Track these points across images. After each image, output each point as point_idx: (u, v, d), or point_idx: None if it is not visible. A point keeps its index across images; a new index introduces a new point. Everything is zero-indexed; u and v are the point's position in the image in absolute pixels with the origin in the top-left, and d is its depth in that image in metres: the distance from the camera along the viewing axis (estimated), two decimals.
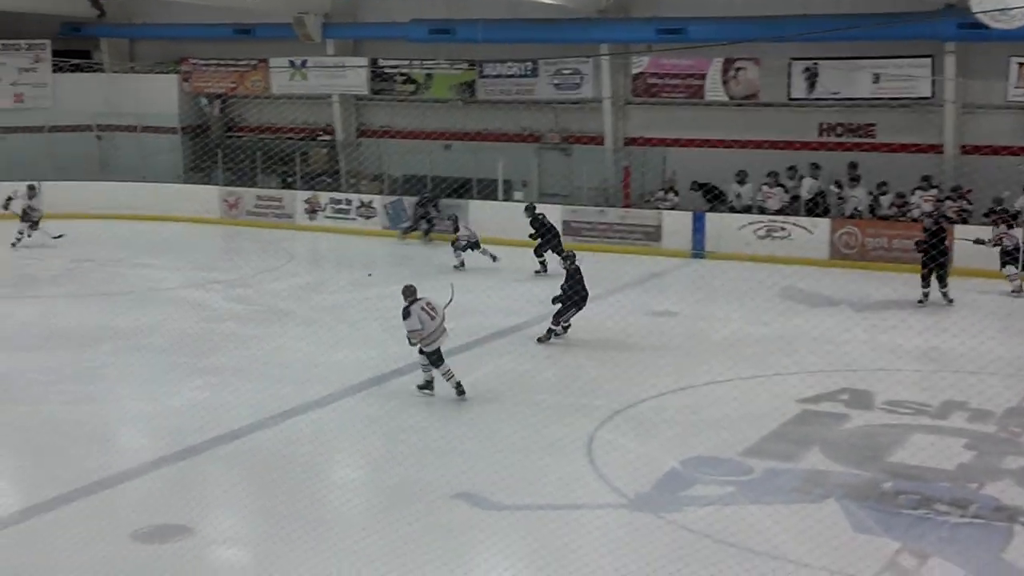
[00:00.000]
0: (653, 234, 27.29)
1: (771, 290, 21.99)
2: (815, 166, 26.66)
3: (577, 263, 19.04)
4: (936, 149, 26.13)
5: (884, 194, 25.62)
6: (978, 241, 22.64)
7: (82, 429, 14.64)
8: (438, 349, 15.60)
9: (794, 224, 25.92)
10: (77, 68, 35.53)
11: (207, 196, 32.72)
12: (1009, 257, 22.41)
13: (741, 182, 27.07)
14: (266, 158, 32.89)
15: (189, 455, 13.67)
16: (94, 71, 36.22)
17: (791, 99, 27.20)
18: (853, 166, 26.16)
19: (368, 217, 30.67)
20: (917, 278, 21.64)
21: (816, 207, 26.32)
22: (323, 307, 22.00)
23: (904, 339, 18.90)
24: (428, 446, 14.02)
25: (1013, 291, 22.31)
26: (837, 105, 26.92)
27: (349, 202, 31.07)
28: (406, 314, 15.45)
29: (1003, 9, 17.71)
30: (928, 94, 25.82)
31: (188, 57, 35.06)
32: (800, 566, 10.59)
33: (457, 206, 28.46)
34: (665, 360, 17.82)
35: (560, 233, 24.94)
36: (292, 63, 33.03)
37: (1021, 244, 22.51)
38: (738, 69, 27.66)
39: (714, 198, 27.21)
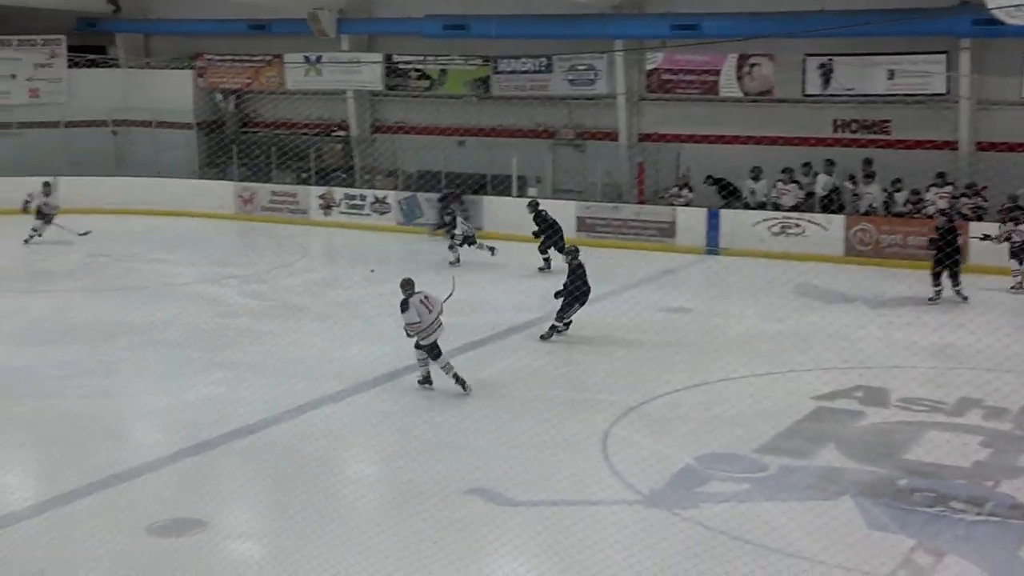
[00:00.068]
0: (667, 230, 27.26)
1: (785, 287, 21.99)
2: (830, 162, 26.61)
3: (579, 258, 18.95)
4: (951, 146, 26.04)
5: (899, 191, 25.55)
6: (985, 237, 22.60)
7: (97, 423, 14.68)
8: (435, 342, 15.68)
9: (809, 221, 25.86)
10: (92, 64, 35.54)
11: (222, 191, 32.76)
12: (1021, 251, 22.29)
13: (756, 178, 27.02)
14: (281, 154, 32.93)
15: (204, 449, 13.71)
16: (109, 67, 36.23)
17: (806, 95, 27.15)
18: (868, 162, 26.09)
19: (382, 213, 30.68)
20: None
21: (831, 204, 26.26)
22: (337, 303, 22.03)
23: (919, 336, 18.86)
24: (442, 441, 14.03)
25: (1012, 287, 22.19)
26: (852, 101, 26.85)
27: (363, 198, 31.08)
28: (404, 307, 15.57)
29: (1018, 5, 17.70)
30: (943, 90, 25.74)
31: (203, 53, 35.12)
32: (815, 563, 10.56)
33: (472, 202, 28.44)
34: (679, 356, 17.79)
35: (562, 229, 24.64)
36: (307, 59, 33.08)
37: None
38: (753, 65, 27.62)
39: (729, 194, 27.14)
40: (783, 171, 26.73)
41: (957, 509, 11.85)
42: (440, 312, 15.74)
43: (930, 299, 21.30)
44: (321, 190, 31.76)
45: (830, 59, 26.53)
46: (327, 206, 31.51)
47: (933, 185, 25.15)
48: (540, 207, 24.83)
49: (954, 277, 21.29)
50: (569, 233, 26.83)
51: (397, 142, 32.53)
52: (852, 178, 26.19)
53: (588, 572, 10.39)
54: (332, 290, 23.36)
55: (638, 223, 27.64)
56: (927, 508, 11.85)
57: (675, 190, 27.93)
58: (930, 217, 23.98)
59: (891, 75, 26.02)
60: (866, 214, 25.68)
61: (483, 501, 12.10)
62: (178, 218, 31.43)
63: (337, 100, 33.56)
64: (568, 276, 18.75)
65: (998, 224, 23.00)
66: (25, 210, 27.52)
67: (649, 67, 29.07)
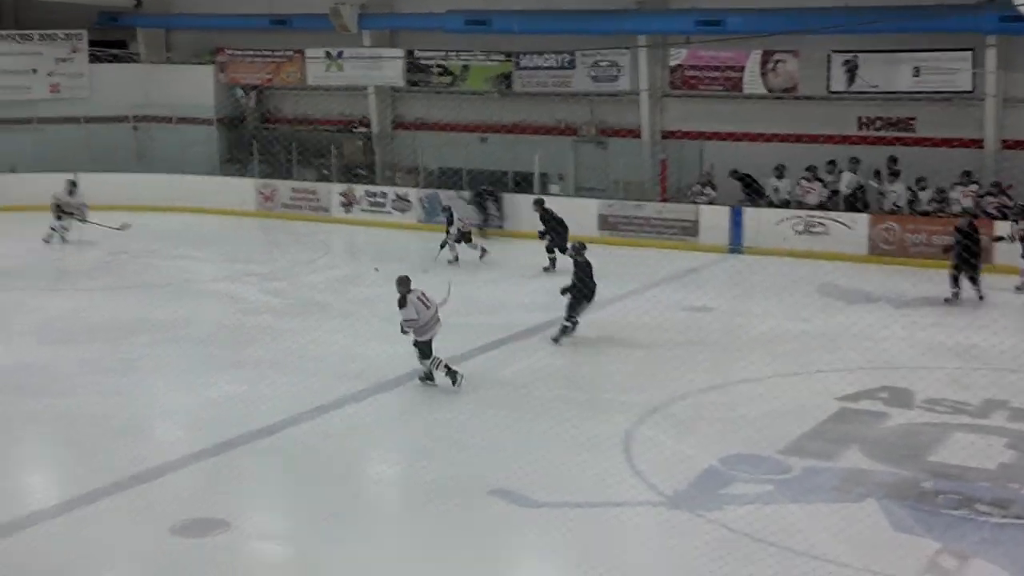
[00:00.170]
0: (690, 229, 27.13)
1: (809, 286, 21.87)
2: (854, 160, 26.45)
3: (585, 255, 18.74)
4: (977, 144, 25.85)
5: (923, 189, 25.38)
6: (998, 239, 22.46)
7: (118, 422, 14.69)
8: (430, 340, 15.83)
9: (833, 219, 25.71)
10: (114, 58, 35.60)
11: (242, 188, 32.74)
12: None
13: (779, 176, 26.88)
14: (302, 150, 32.92)
15: (226, 448, 13.72)
16: (130, 62, 36.29)
17: (830, 92, 26.98)
18: (893, 160, 25.93)
19: (403, 210, 30.63)
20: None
21: (855, 202, 26.11)
22: (359, 300, 21.97)
23: (944, 336, 18.74)
24: (464, 442, 13.99)
25: (1017, 287, 22.01)
26: (877, 98, 26.68)
27: (384, 195, 31.03)
28: (403, 303, 15.76)
29: None
30: (969, 88, 25.55)
31: (224, 48, 35.11)
32: (840, 566, 10.52)
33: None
34: (702, 356, 17.70)
35: (568, 228, 24.20)
36: (328, 54, 33.02)
37: None
38: (777, 61, 27.47)
39: (753, 191, 27.02)
40: (807, 169, 26.58)
41: (982, 512, 11.77)
42: (437, 310, 15.93)
43: (946, 300, 21.13)
44: (342, 187, 31.73)
45: (855, 56, 26.37)
46: (348, 203, 31.48)
47: (958, 183, 24.98)
48: (546, 205, 24.73)
49: (973, 280, 21.14)
50: (591, 231, 26.83)
51: (418, 138, 32.47)
52: (877, 173, 26.02)
53: (611, 573, 10.36)
54: (353, 287, 23.31)
55: (661, 221, 27.51)
56: (952, 511, 11.78)
57: (698, 188, 27.79)
58: (956, 216, 23.81)
59: (916, 72, 25.85)
60: (891, 213, 25.53)
61: (505, 502, 12.06)
62: (198, 215, 31.44)
63: (358, 96, 33.52)
64: (575, 273, 18.57)
65: (1010, 223, 22.85)
66: (59, 218, 27.20)
67: (672, 63, 28.93)
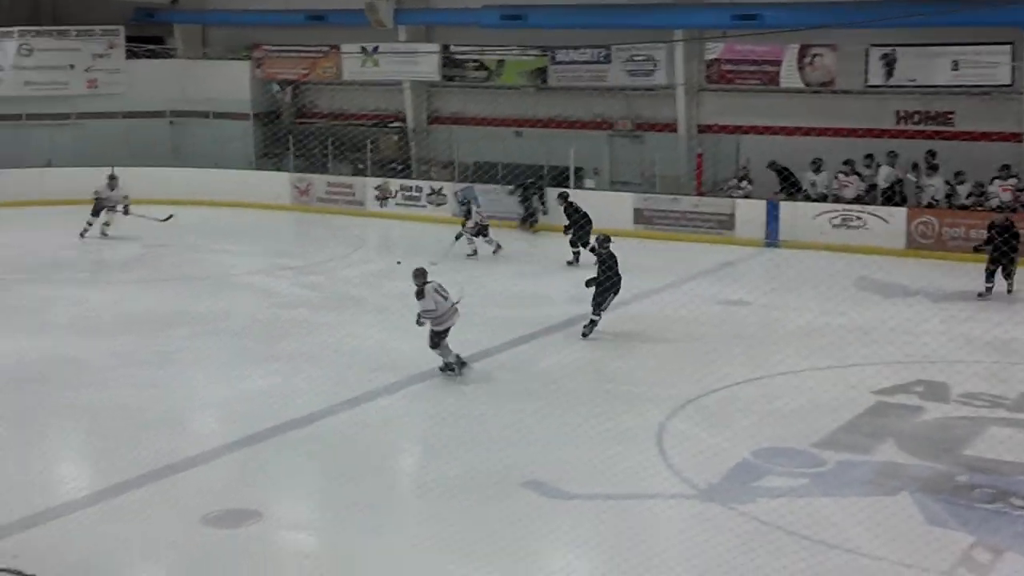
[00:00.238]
0: (726, 222, 27.02)
1: (846, 280, 21.71)
2: (892, 154, 26.26)
3: (610, 247, 18.57)
4: (1016, 137, 25.66)
5: (962, 183, 25.17)
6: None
7: (154, 413, 14.74)
8: (444, 331, 15.94)
9: (870, 213, 25.55)
10: (151, 54, 35.79)
11: (278, 182, 32.84)
12: None
13: (816, 170, 26.75)
14: (337, 145, 32.96)
15: (260, 440, 13.76)
16: (167, 57, 36.46)
17: (868, 86, 26.78)
18: (931, 154, 25.74)
19: (439, 204, 30.63)
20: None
21: (893, 196, 25.94)
22: (393, 294, 21.84)
23: (981, 330, 18.57)
24: (497, 434, 13.99)
25: None
26: (915, 92, 26.49)
27: (420, 189, 31.05)
28: (420, 295, 15.85)
29: None
30: (1008, 81, 25.32)
31: (260, 44, 35.17)
32: (873, 559, 10.49)
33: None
34: (738, 350, 17.64)
35: (592, 222, 24.10)
36: (364, 49, 33.06)
37: None
38: (814, 55, 27.29)
39: (790, 184, 26.88)
40: (844, 163, 26.43)
41: (1017, 506, 11.70)
42: (453, 302, 16.05)
43: (979, 295, 20.97)
44: (377, 181, 31.77)
45: (893, 50, 26.16)
46: (383, 197, 31.51)
47: (997, 177, 24.77)
48: (570, 198, 24.66)
49: (1008, 275, 20.98)
50: (626, 225, 26.79)
51: (454, 133, 32.47)
52: (915, 167, 25.83)
53: (643, 566, 10.32)
54: (389, 282, 23.24)
55: (697, 215, 27.42)
56: (987, 505, 11.71)
57: (734, 182, 27.69)
58: (994, 210, 23.62)
59: (955, 66, 25.62)
60: (928, 207, 25.34)
61: (538, 494, 12.06)
62: (234, 209, 31.54)
63: (394, 91, 33.56)
64: (600, 266, 18.45)
65: None
66: (97, 215, 27.21)
67: (709, 57, 28.82)
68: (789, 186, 26.91)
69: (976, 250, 21.66)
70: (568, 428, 14.04)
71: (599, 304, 18.23)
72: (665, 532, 11.34)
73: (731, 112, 28.81)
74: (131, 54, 35.17)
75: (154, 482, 12.42)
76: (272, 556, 10.92)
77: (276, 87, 35.39)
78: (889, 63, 26.32)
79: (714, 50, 28.62)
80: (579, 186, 28.88)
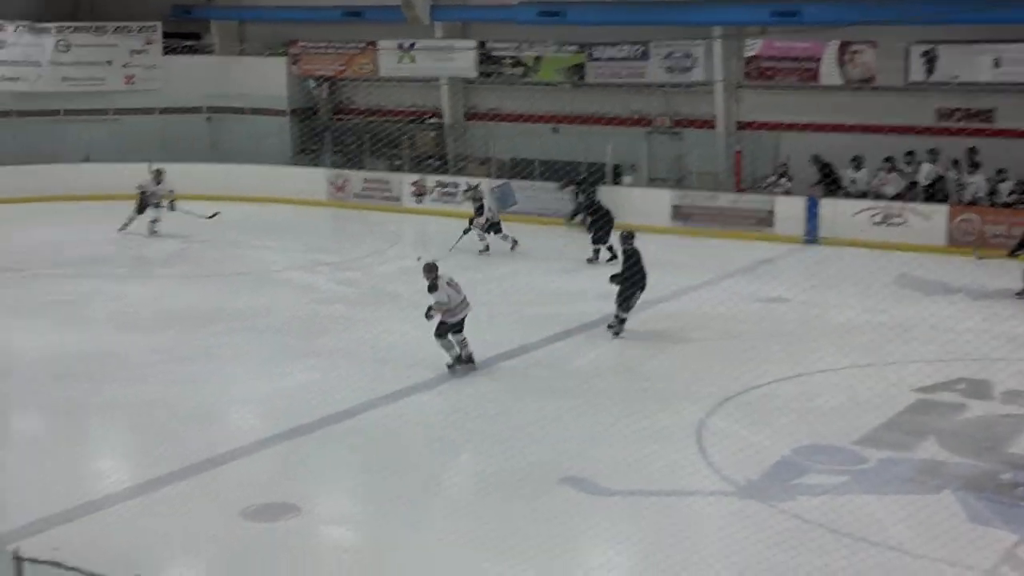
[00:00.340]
0: (766, 219, 26.89)
1: (887, 277, 21.57)
2: (933, 151, 26.08)
3: (634, 244, 18.37)
4: None
5: (1003, 181, 24.97)
6: None
7: (193, 408, 14.81)
8: (457, 323, 16.09)
9: (911, 211, 25.37)
10: (188, 50, 35.95)
11: (315, 178, 32.92)
12: None
13: (857, 167, 26.59)
14: (373, 141, 33.02)
15: (299, 435, 13.77)
16: (204, 53, 36.62)
17: (909, 83, 26.59)
18: (973, 151, 25.54)
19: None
20: None
21: (934, 193, 25.74)
22: None
23: None
24: (534, 431, 13.92)
25: None
26: (956, 89, 26.28)
27: (456, 185, 31.00)
28: (433, 288, 16.09)
29: None
30: None
31: (297, 40, 35.24)
32: (915, 557, 10.41)
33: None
34: (777, 347, 17.54)
35: (614, 219, 23.85)
36: (400, 46, 33.08)
37: None
38: (854, 52, 27.11)
39: (831, 182, 26.72)
40: (885, 160, 26.26)
41: None
42: (465, 296, 16.20)
43: (1017, 294, 20.78)
44: (414, 177, 31.80)
45: (934, 46, 25.97)
46: (419, 193, 31.52)
47: None
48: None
49: None
50: (664, 222, 26.69)
51: (490, 129, 32.46)
52: (956, 164, 25.62)
53: (682, 563, 10.26)
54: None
55: (735, 212, 27.30)
56: None
57: (773, 179, 27.55)
58: None
59: (997, 63, 25.42)
60: (970, 204, 25.14)
61: (576, 491, 12.02)
62: (271, 205, 31.61)
63: (430, 87, 33.56)
64: (624, 263, 18.26)
65: None
66: (141, 212, 27.14)
67: (748, 54, 28.69)
68: (830, 182, 26.76)
69: (1011, 254, 21.42)
70: (605, 425, 13.99)
71: (625, 300, 18.05)
72: (704, 529, 11.28)
73: (770, 109, 28.63)
74: (168, 50, 35.32)
75: (194, 476, 12.45)
76: (311, 550, 10.92)
77: (312, 83, 35.47)
78: (930, 60, 26.12)
79: (753, 47, 28.49)
80: (617, 183, 28.81)
